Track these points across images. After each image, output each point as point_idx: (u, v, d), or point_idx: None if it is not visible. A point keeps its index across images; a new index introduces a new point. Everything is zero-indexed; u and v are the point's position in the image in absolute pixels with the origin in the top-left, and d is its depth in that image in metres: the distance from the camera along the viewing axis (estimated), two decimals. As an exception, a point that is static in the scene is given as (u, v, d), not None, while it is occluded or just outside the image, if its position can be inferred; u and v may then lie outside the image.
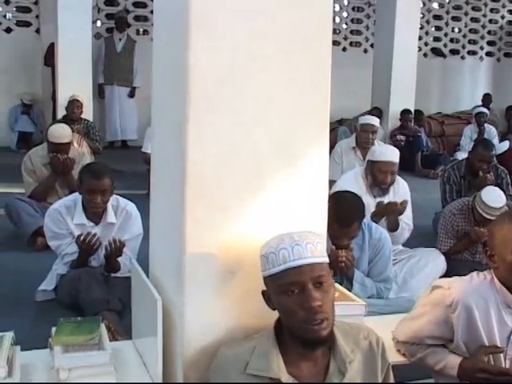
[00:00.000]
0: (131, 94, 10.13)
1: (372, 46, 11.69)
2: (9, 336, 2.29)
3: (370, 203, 4.33)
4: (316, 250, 1.87)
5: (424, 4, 12.35)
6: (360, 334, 2.02)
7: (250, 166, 2.10)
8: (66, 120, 6.93)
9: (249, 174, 2.11)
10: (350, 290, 2.90)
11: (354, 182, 4.49)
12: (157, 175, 2.45)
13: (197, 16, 2.00)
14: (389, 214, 4.35)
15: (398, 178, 4.63)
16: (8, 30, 10.15)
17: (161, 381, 2.18)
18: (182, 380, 2.15)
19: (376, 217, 4.29)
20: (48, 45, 9.45)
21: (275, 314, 1.98)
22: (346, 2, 12.35)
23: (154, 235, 2.49)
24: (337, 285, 2.37)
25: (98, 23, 10.53)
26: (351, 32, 12.52)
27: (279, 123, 2.12)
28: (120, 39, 10.17)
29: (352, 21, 12.55)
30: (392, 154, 4.47)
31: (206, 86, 2.03)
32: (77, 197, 3.86)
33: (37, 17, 10.24)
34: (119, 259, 3.77)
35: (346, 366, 1.93)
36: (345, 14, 12.45)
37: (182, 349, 2.16)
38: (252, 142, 2.10)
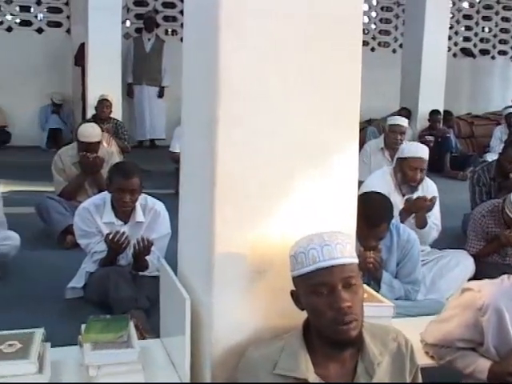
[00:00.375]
0: (160, 94, 10.19)
1: (401, 46, 11.61)
2: (39, 332, 2.31)
3: (398, 201, 4.32)
4: (346, 251, 1.87)
5: (454, 3, 12.24)
6: (388, 335, 2.01)
7: (280, 166, 2.10)
8: (95, 119, 7.00)
9: (278, 174, 2.11)
10: (377, 291, 2.88)
11: (382, 180, 4.47)
12: (186, 174, 2.46)
13: (226, 16, 2.01)
14: (417, 211, 4.33)
15: (427, 179, 4.61)
16: (39, 31, 10.28)
17: (189, 380, 2.19)
18: (209, 379, 2.16)
19: (404, 213, 4.27)
20: (78, 45, 9.55)
21: (304, 315, 1.97)
22: (374, 2, 12.28)
23: (182, 234, 2.51)
24: (364, 286, 2.35)
25: (128, 23, 10.62)
26: (380, 32, 12.45)
27: (309, 123, 2.12)
28: (149, 39, 10.23)
29: (381, 20, 12.48)
30: (422, 151, 4.47)
31: (236, 86, 2.04)
32: (106, 196, 3.90)
33: (68, 17, 10.36)
34: (147, 258, 3.79)
35: (374, 368, 1.92)
36: (373, 14, 12.38)
37: (210, 348, 2.16)
38: (282, 142, 2.10)
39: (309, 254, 1.87)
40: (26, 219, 5.28)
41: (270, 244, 2.11)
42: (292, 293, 1.98)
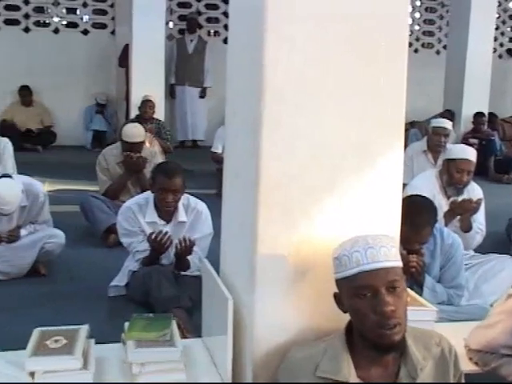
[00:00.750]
0: (202, 95, 10.26)
1: (445, 47, 11.47)
2: (84, 329, 2.35)
3: (443, 204, 4.27)
4: (390, 254, 1.85)
5: (500, 4, 12.02)
6: (432, 340, 1.99)
7: (324, 167, 2.10)
8: (138, 120, 7.08)
9: (322, 176, 2.10)
10: (419, 296, 2.85)
11: (427, 181, 4.43)
12: (230, 175, 2.46)
13: (272, 19, 2.01)
14: (463, 213, 4.28)
15: (472, 182, 4.55)
16: (85, 32, 10.44)
17: (230, 380, 2.20)
18: (251, 380, 2.17)
19: (449, 215, 4.23)
20: (122, 46, 9.68)
21: (346, 317, 1.96)
22: (418, 3, 12.15)
23: (225, 234, 2.52)
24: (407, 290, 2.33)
25: (171, 24, 10.71)
26: (423, 33, 12.32)
27: (354, 125, 2.11)
28: (191, 40, 10.31)
29: (424, 22, 12.35)
30: (470, 153, 4.42)
31: (281, 88, 2.04)
32: (149, 195, 3.94)
33: (112, 19, 10.50)
34: (189, 258, 3.82)
35: (417, 373, 1.90)
36: (417, 15, 12.25)
37: (251, 348, 2.17)
38: (326, 143, 2.09)
39: (352, 257, 1.86)
40: (71, 218, 5.37)
41: (312, 245, 2.11)
42: (335, 295, 1.97)
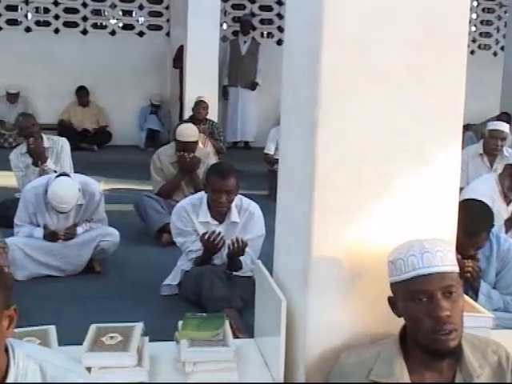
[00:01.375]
0: (253, 88, 10.27)
1: (502, 48, 11.23)
2: (139, 327, 2.39)
3: (503, 210, 4.19)
4: (446, 259, 1.83)
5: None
6: (488, 348, 1.96)
7: (380, 170, 2.09)
8: (192, 120, 7.14)
9: (378, 179, 2.09)
10: (474, 302, 2.80)
11: (487, 186, 4.34)
12: (284, 176, 2.47)
13: (329, 20, 2.01)
14: None
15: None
16: (141, 34, 10.60)
17: (282, 381, 2.21)
18: (303, 382, 2.17)
19: (510, 223, 4.14)
20: (177, 47, 9.78)
21: (401, 321, 1.95)
22: (475, 4, 11.93)
23: (279, 236, 2.52)
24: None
25: (224, 26, 10.79)
26: (480, 34, 12.09)
27: (410, 128, 2.09)
28: (245, 42, 10.36)
29: (481, 23, 12.12)
30: None
31: (337, 92, 2.04)
32: (203, 195, 3.97)
33: (167, 21, 10.64)
34: (241, 258, 3.84)
35: (473, 380, 1.87)
36: (474, 16, 12.03)
37: (303, 350, 2.17)
38: (382, 147, 2.08)
39: (408, 261, 1.85)
40: (125, 217, 5.46)
41: (367, 248, 2.10)
42: (389, 299, 1.96)
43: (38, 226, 4.40)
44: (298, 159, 2.24)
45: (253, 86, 10.30)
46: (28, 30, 10.32)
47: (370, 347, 1.99)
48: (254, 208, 3.99)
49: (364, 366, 1.91)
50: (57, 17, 10.34)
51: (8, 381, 1.46)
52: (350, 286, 2.11)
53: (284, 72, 2.48)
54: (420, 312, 1.82)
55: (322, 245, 2.09)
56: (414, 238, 1.94)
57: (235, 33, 10.74)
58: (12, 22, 10.32)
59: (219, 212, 3.90)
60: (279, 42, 10.89)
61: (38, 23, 10.43)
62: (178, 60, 9.54)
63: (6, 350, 1.50)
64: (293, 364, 2.25)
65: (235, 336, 3.05)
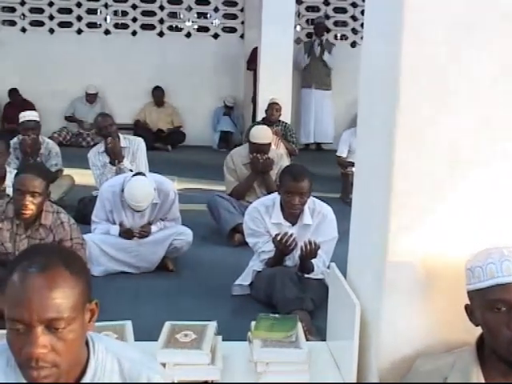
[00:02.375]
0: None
1: None
2: (212, 325, 2.42)
3: None
4: (527, 268, 1.78)
5: None
6: None
7: (459, 175, 2.05)
8: (265, 122, 7.17)
9: (455, 183, 2.05)
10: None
11: None
12: (361, 180, 2.46)
13: (409, 24, 1.99)
14: None
15: None
16: (215, 36, 10.73)
17: (354, 384, 2.20)
18: (376, 387, 2.15)
19: None
20: (251, 50, 9.85)
21: (477, 330, 1.91)
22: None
23: (353, 239, 2.51)
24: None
25: (298, 28, 10.78)
26: None
27: (498, 131, 2.04)
28: (318, 44, 10.32)
29: None
30: None
31: (418, 92, 2.01)
32: (276, 197, 3.99)
33: (242, 23, 10.72)
34: (313, 261, 3.83)
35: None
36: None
37: (376, 355, 2.15)
38: (463, 151, 2.04)
39: (486, 269, 1.81)
40: (198, 216, 5.53)
41: (444, 255, 2.07)
42: (466, 307, 1.92)
43: (114, 223, 4.51)
44: (375, 163, 2.22)
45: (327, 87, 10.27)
46: (107, 32, 10.61)
47: (445, 355, 1.96)
48: (327, 210, 3.98)
49: (439, 374, 1.88)
50: (134, 19, 10.59)
51: (88, 372, 1.51)
52: (425, 291, 2.08)
53: (361, 74, 2.46)
54: (498, 322, 1.78)
55: (397, 249, 2.07)
56: (492, 245, 1.89)
57: (309, 35, 10.73)
58: (92, 25, 10.64)
59: (292, 214, 3.91)
60: (353, 45, 10.81)
61: (116, 26, 10.71)
62: (252, 62, 9.61)
63: (87, 343, 1.54)
64: (365, 369, 2.23)
65: (306, 338, 3.05)
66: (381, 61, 2.21)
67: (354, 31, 10.83)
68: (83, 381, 1.50)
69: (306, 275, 3.88)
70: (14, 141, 5.71)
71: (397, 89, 2.00)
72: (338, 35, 11.14)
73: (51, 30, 10.49)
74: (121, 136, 5.66)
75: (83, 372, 1.51)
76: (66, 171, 6.25)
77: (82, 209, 5.46)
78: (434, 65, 1.99)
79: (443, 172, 2.05)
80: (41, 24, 10.49)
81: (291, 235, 3.75)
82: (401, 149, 2.03)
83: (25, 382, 1.45)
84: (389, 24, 2.12)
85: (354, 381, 2.18)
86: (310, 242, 3.69)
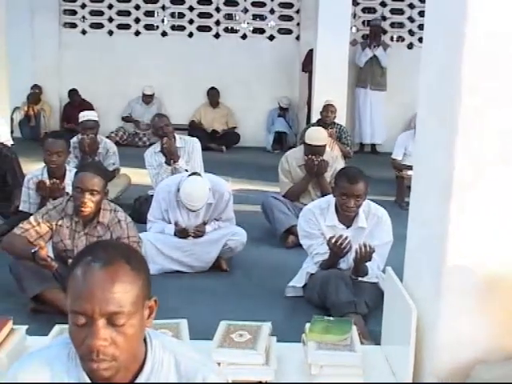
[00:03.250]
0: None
1: None
2: (267, 326, 2.43)
3: None
4: None
5: None
6: None
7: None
8: (319, 124, 7.15)
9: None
10: None
11: None
12: (419, 184, 2.42)
13: (473, 27, 1.96)
14: None
15: None
16: (271, 38, 10.75)
17: (409, 390, 2.17)
18: (432, 393, 2.12)
19: None
20: (306, 51, 9.84)
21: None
22: None
23: (411, 243, 2.48)
24: None
25: (354, 30, 10.71)
26: None
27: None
28: (374, 45, 10.23)
29: None
30: None
31: (478, 98, 1.98)
32: (330, 199, 3.96)
33: (297, 24, 10.72)
34: (367, 264, 3.79)
35: None
36: None
37: (432, 361, 2.13)
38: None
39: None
40: (252, 217, 5.55)
41: (504, 259, 2.03)
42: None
43: (170, 222, 4.57)
44: (435, 167, 2.19)
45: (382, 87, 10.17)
46: (164, 34, 10.75)
47: (504, 364, 1.92)
48: (383, 214, 3.94)
49: (500, 382, 1.84)
50: (191, 21, 10.70)
51: (145, 369, 1.53)
52: (485, 297, 2.04)
53: (421, 76, 2.43)
54: None
55: (456, 254, 2.04)
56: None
57: (365, 36, 10.65)
58: (149, 27, 10.80)
59: (347, 216, 3.88)
60: (410, 46, 10.68)
61: (173, 28, 10.85)
62: (307, 64, 9.59)
63: (145, 340, 1.56)
64: (421, 375, 2.20)
65: (360, 342, 3.03)
66: (442, 62, 2.17)
67: (411, 33, 10.69)
68: (140, 377, 1.52)
69: (360, 278, 3.85)
70: (74, 140, 5.83)
71: (459, 90, 1.97)
72: (395, 37, 11.02)
73: (110, 32, 10.70)
74: (177, 136, 5.72)
75: (141, 368, 1.53)
76: (123, 170, 6.36)
77: (137, 208, 5.54)
78: (499, 65, 1.95)
79: (506, 176, 2.01)
80: (100, 26, 10.72)
81: (346, 238, 3.72)
82: (462, 152, 2.00)
83: (85, 373, 1.48)
84: (451, 24, 2.08)
85: (410, 386, 2.16)
86: (364, 245, 3.66)
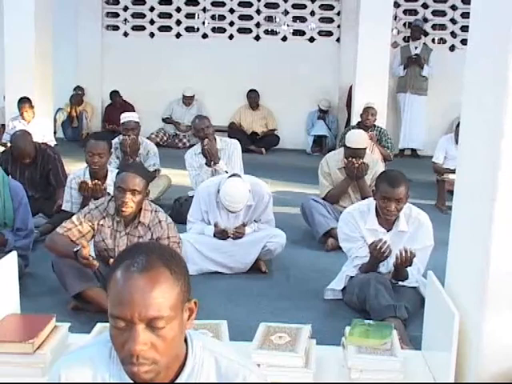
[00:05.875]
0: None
1: None
2: (307, 329, 2.42)
3: None
4: None
5: None
6: None
7: None
8: (359, 126, 7.11)
9: None
10: None
11: None
12: (462, 187, 2.39)
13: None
14: None
15: None
16: (311, 40, 10.74)
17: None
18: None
19: None
20: (346, 54, 9.80)
21: None
22: None
23: (453, 247, 2.45)
24: None
25: (395, 32, 10.62)
26: None
27: None
28: (416, 48, 10.13)
29: None
30: None
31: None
32: (371, 202, 3.94)
33: (338, 26, 10.68)
34: (407, 268, 3.75)
35: None
36: None
37: (476, 368, 2.09)
38: None
39: None
40: (291, 219, 5.56)
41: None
42: None
43: (209, 223, 4.59)
44: (479, 171, 2.16)
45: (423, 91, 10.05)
46: (204, 36, 10.82)
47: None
48: (424, 217, 3.89)
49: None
50: (231, 23, 10.75)
51: (186, 369, 1.54)
52: (531, 305, 2.00)
53: (466, 79, 2.40)
54: None
55: (502, 258, 2.01)
56: None
57: (406, 38, 10.55)
58: (190, 29, 10.89)
59: (387, 220, 3.85)
60: (452, 48, 10.55)
61: (213, 30, 10.91)
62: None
63: (185, 340, 1.57)
64: (463, 381, 2.17)
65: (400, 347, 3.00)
66: (488, 64, 2.14)
67: (453, 34, 10.56)
68: (181, 376, 1.53)
69: (400, 283, 3.81)
70: (115, 141, 5.90)
71: (506, 92, 1.94)
72: (436, 39, 10.89)
73: (151, 34, 10.81)
74: (217, 138, 5.75)
75: (182, 368, 1.54)
76: (163, 171, 6.42)
77: (177, 208, 5.58)
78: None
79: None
80: (142, 28, 10.84)
81: (385, 242, 3.68)
82: (508, 156, 1.96)
83: (125, 374, 1.50)
84: (499, 25, 2.05)
85: (451, 393, 2.12)
86: (405, 250, 3.62)
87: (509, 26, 1.94)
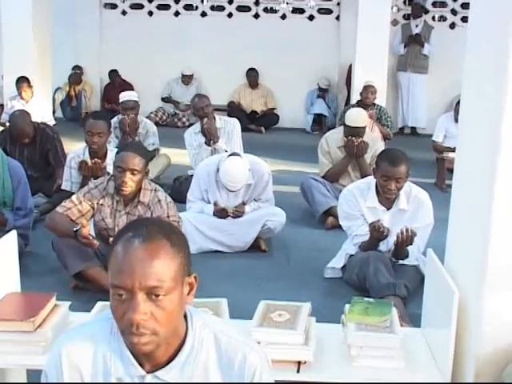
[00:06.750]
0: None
1: None
2: (307, 307, 2.42)
3: None
4: None
5: None
6: None
7: None
8: (359, 105, 7.08)
9: None
10: None
11: None
12: (462, 166, 2.38)
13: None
14: None
15: None
16: (311, 18, 10.66)
17: (449, 376, 2.14)
18: (472, 379, 2.10)
19: None
20: (345, 32, 9.73)
21: None
22: None
23: (453, 226, 2.44)
24: None
25: (395, 9, 10.53)
26: None
27: None
28: (416, 26, 10.06)
29: None
30: None
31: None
32: (371, 180, 3.93)
33: (338, 4, 10.60)
34: (408, 247, 3.76)
35: None
36: None
37: (475, 347, 2.10)
38: None
39: None
40: (291, 198, 5.56)
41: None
42: None
43: (209, 202, 4.59)
44: (479, 149, 2.15)
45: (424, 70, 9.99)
46: (203, 14, 10.74)
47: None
48: (424, 196, 3.89)
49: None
50: (230, 1, 10.67)
51: (186, 346, 1.54)
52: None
53: (467, 57, 2.37)
54: None
55: (501, 236, 2.01)
56: None
57: (406, 16, 10.47)
58: (189, 8, 10.80)
59: (387, 198, 3.84)
60: (452, 26, 10.48)
61: (212, 8, 10.82)
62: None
63: (185, 317, 1.58)
64: (462, 359, 2.18)
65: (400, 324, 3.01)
66: (490, 42, 2.12)
67: (454, 12, 10.49)
68: (181, 353, 1.53)
69: (400, 261, 3.82)
70: (114, 120, 5.88)
71: (507, 71, 1.92)
72: (436, 16, 10.81)
73: (150, 13, 10.73)
74: (216, 117, 5.73)
75: (181, 344, 1.55)
76: (162, 151, 6.41)
77: (177, 187, 5.59)
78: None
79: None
80: (140, 7, 10.75)
81: (383, 224, 3.70)
82: (508, 134, 1.96)
83: (126, 350, 1.50)
84: (502, 1, 2.03)
85: (449, 371, 2.12)
86: (406, 230, 3.62)
87: (509, 9, 1.92)
